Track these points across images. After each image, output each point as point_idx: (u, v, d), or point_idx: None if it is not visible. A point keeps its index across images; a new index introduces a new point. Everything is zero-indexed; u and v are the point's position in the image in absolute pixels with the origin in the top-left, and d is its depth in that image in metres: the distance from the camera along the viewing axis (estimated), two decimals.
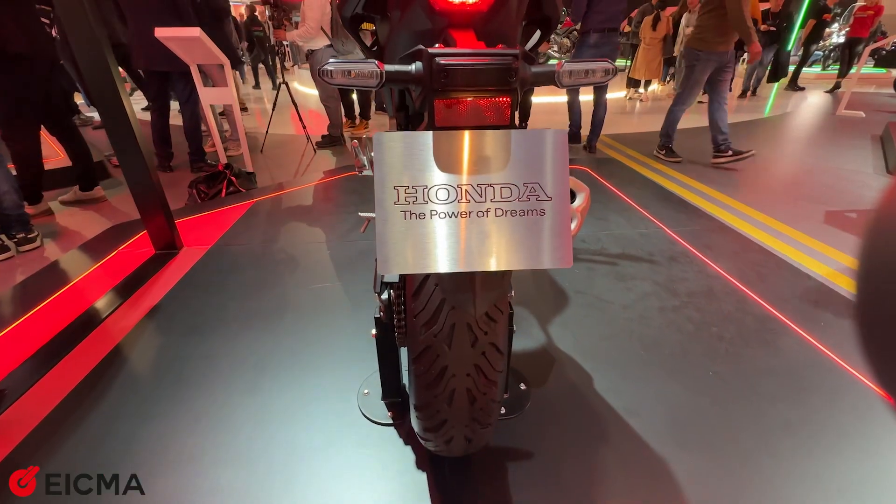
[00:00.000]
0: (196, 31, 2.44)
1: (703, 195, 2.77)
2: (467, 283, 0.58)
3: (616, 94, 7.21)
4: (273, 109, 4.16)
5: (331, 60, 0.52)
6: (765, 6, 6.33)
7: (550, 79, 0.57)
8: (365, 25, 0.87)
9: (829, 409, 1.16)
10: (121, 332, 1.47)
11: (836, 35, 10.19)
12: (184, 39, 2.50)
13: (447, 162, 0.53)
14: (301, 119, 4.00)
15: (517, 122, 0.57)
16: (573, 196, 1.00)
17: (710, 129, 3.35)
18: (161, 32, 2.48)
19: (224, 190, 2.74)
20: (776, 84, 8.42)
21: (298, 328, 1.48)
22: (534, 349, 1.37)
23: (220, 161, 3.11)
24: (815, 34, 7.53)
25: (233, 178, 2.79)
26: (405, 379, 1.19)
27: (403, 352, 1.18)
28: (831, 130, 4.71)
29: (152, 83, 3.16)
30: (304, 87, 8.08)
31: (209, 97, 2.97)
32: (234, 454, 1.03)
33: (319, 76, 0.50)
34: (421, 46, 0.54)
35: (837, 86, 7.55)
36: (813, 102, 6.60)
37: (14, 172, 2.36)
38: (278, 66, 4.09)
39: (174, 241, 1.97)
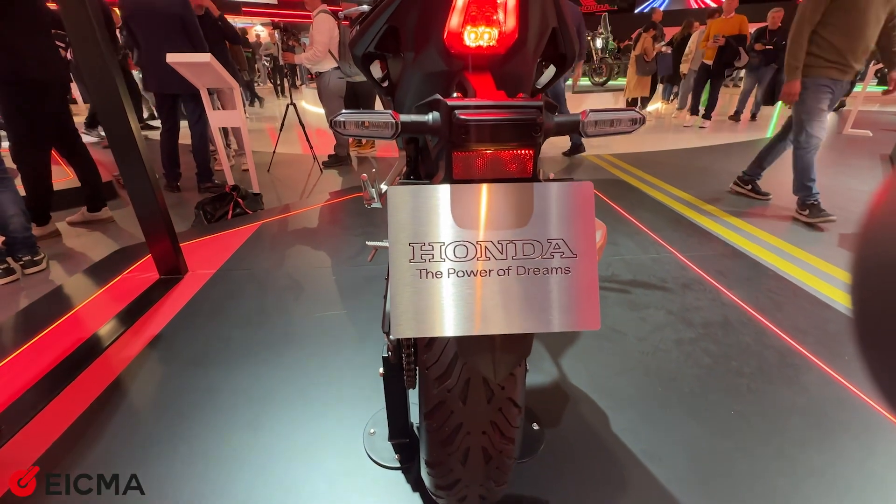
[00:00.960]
0: (206, 57, 2.48)
1: (712, 217, 2.73)
2: (486, 346, 0.55)
3: None
4: (280, 129, 4.19)
5: (343, 111, 0.50)
6: (758, 25, 6.06)
7: (574, 128, 0.54)
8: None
9: (859, 452, 1.10)
10: (122, 363, 1.44)
11: None
12: (194, 65, 2.53)
13: (465, 217, 0.50)
14: (308, 139, 4.02)
15: (540, 174, 0.54)
16: None
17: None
18: (173, 58, 2.51)
19: (231, 212, 2.74)
20: (778, 104, 8.44)
21: (302, 360, 1.44)
22: (546, 385, 1.32)
23: (227, 181, 3.11)
24: None
25: (239, 200, 2.78)
26: (413, 416, 1.15)
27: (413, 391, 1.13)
28: (839, 150, 4.68)
29: (163, 105, 3.20)
30: (311, 106, 8.19)
31: (218, 119, 3.00)
32: (234, 499, 0.98)
33: (332, 126, 0.48)
34: (438, 96, 0.52)
35: (842, 104, 7.55)
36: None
37: (23, 193, 2.37)
38: (286, 86, 4.13)
39: (178, 266, 1.95)
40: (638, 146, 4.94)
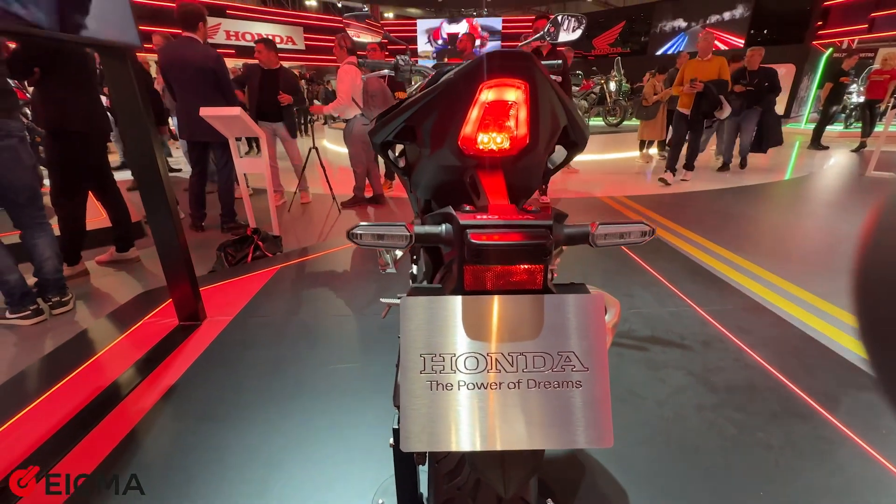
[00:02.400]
0: (236, 111, 2.63)
1: (732, 264, 2.68)
2: (496, 460, 0.54)
3: (632, 152, 7.28)
4: (302, 170, 4.36)
5: (361, 224, 0.52)
6: (737, 65, 5.47)
7: (584, 239, 0.55)
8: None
9: None
10: (137, 415, 1.45)
11: (857, 95, 10.25)
12: (225, 118, 2.68)
13: (476, 328, 0.50)
14: (328, 181, 4.16)
15: (551, 286, 0.55)
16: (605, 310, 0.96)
17: None
18: (205, 112, 2.67)
19: (251, 254, 2.81)
20: (797, 143, 8.39)
21: (313, 418, 1.43)
22: (562, 456, 1.28)
23: (248, 224, 3.22)
24: (834, 96, 7.56)
25: (259, 243, 2.87)
26: (423, 485, 1.12)
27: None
28: (862, 193, 4.58)
29: (194, 151, 3.39)
30: (333, 145, 8.51)
31: (243, 166, 3.14)
32: None
33: (348, 238, 0.50)
34: (451, 210, 0.54)
35: (863, 145, 7.47)
36: (839, 162, 6.51)
37: (57, 233, 2.49)
38: (311, 129, 4.33)
39: (197, 312, 2.00)
40: (652, 187, 4.93)
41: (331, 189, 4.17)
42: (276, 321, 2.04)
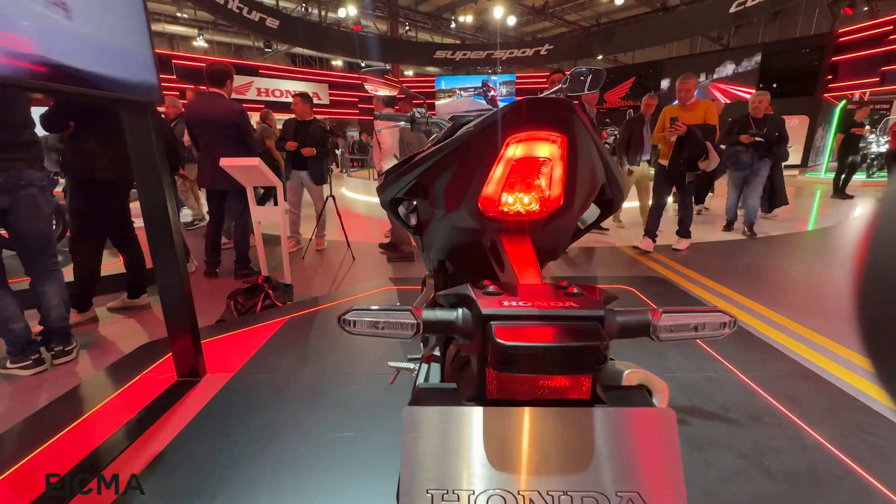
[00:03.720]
0: (255, 161, 2.67)
1: (768, 321, 2.47)
2: None
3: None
4: (318, 217, 4.38)
5: (355, 308, 0.42)
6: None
7: (644, 331, 0.44)
8: None
9: None
10: (120, 486, 1.31)
11: (876, 145, 10.13)
12: (244, 168, 2.72)
13: (503, 454, 0.38)
14: (343, 228, 4.17)
15: (601, 393, 0.42)
16: (649, 393, 0.82)
17: None
18: (225, 162, 2.72)
19: (260, 304, 2.74)
20: (818, 192, 8.21)
21: (308, 496, 1.26)
22: None
23: (260, 272, 3.18)
24: (848, 147, 7.47)
25: (270, 292, 2.80)
26: None
27: None
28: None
29: (213, 200, 3.45)
30: (351, 193, 8.70)
31: (259, 214, 3.16)
32: None
33: (339, 325, 0.40)
34: (468, 291, 0.43)
35: (850, 196, 7.30)
36: (866, 213, 6.28)
37: (70, 278, 2.47)
38: (329, 177, 4.41)
39: (197, 368, 1.89)
40: (669, 235, 4.78)
41: (346, 236, 4.16)
42: (278, 379, 1.91)
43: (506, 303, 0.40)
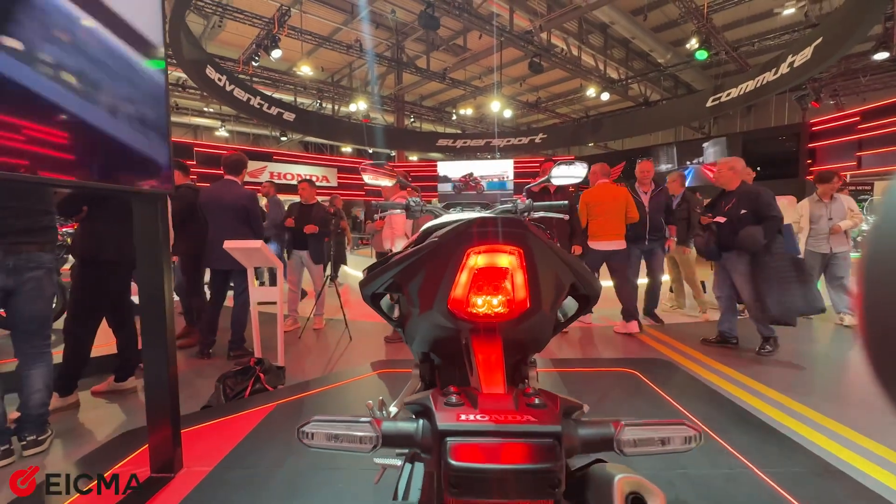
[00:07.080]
0: (258, 244, 2.76)
1: (784, 408, 2.33)
2: None
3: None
4: (318, 296, 4.40)
5: (315, 419, 0.41)
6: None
7: (608, 445, 0.42)
8: None
9: None
10: None
11: (866, 223, 10.43)
12: (247, 249, 2.81)
13: None
14: (342, 307, 4.16)
15: (562, 481, 0.39)
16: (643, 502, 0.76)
17: None
18: (229, 244, 2.82)
19: (249, 388, 2.63)
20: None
21: None
22: None
23: (254, 353, 3.11)
24: None
25: (261, 375, 2.71)
26: None
27: None
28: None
29: (216, 279, 3.51)
30: (353, 270, 8.81)
31: (258, 295, 3.18)
32: None
33: (298, 437, 0.39)
34: (429, 401, 0.43)
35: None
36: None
37: (58, 360, 2.40)
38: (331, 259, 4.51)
39: (173, 462, 1.76)
40: (676, 315, 4.71)
41: (344, 315, 4.13)
42: (259, 475, 1.77)
43: (463, 416, 0.39)
